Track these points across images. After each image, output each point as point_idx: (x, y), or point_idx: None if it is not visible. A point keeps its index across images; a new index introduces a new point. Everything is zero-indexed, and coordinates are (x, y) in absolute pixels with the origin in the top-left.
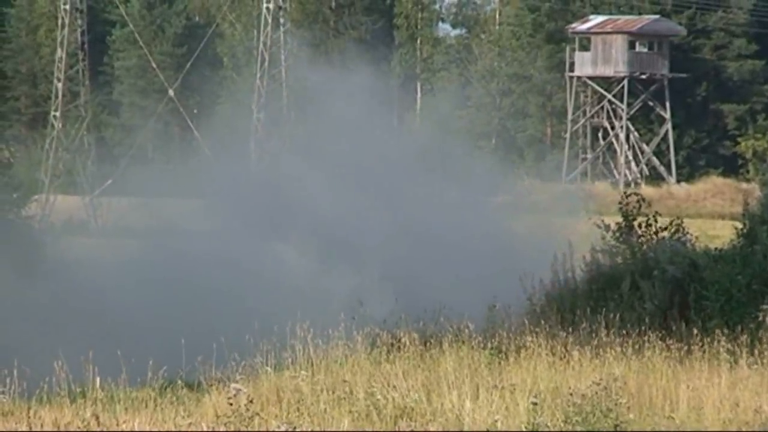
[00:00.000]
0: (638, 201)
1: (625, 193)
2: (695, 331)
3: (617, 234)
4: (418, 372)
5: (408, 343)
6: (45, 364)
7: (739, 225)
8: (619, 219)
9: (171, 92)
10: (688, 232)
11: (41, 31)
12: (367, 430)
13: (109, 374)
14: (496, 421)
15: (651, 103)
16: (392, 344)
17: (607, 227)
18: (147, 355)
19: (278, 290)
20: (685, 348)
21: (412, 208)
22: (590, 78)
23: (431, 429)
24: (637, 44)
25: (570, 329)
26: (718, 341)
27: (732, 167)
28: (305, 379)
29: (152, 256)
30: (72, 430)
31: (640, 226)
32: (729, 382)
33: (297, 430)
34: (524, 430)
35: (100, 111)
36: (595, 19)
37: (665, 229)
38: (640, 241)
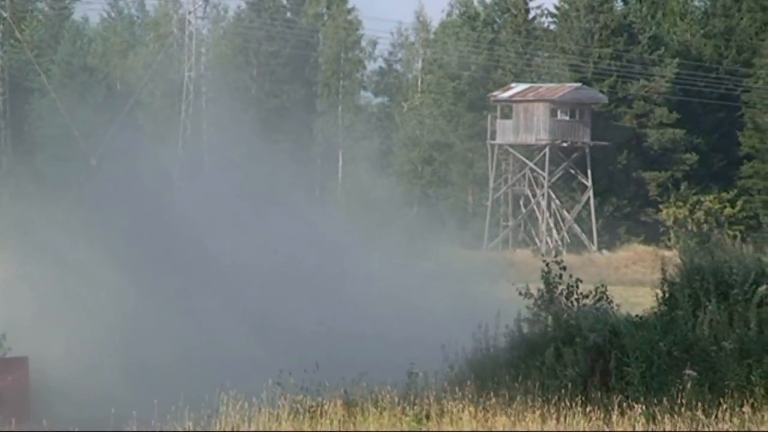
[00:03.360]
0: (561, 268)
1: (545, 261)
2: (616, 398)
3: (539, 301)
4: None
5: (330, 410)
6: None
7: (659, 292)
8: (541, 286)
9: (93, 161)
10: (611, 300)
11: None
12: None
13: None
14: None
15: (572, 171)
16: (315, 410)
17: (530, 294)
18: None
19: (204, 356)
20: (605, 415)
21: (333, 276)
22: (512, 146)
23: None
24: (558, 112)
25: (491, 396)
26: (639, 408)
27: (653, 235)
28: None
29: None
30: None
31: (561, 293)
32: None
33: None
34: None
35: (22, 180)
36: (517, 88)
37: (587, 296)
38: (562, 308)
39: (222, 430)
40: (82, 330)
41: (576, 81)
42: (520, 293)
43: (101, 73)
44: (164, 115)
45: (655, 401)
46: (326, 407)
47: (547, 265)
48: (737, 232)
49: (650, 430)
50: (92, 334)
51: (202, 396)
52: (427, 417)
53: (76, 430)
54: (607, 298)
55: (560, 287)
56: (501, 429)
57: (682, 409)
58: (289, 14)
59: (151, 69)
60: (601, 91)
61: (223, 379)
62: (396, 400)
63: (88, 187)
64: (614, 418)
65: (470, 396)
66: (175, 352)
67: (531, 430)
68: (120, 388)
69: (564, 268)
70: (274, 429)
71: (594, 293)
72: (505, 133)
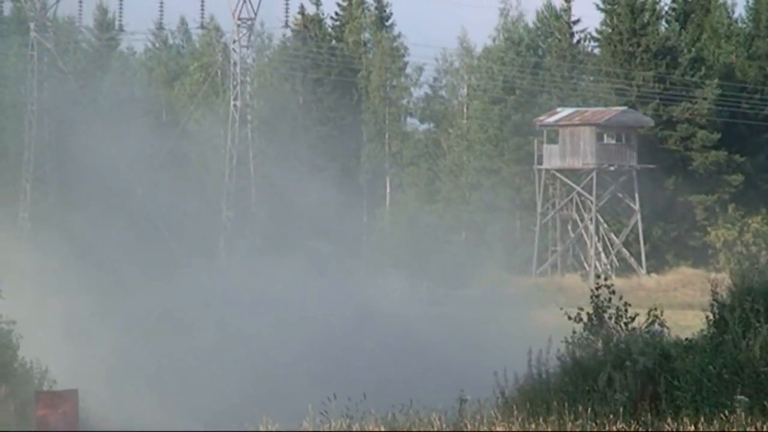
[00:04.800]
0: (610, 292)
1: (597, 284)
2: (667, 421)
3: (588, 325)
4: None
5: None
6: None
7: (710, 315)
8: (590, 311)
9: (139, 191)
10: (663, 323)
11: (7, 132)
12: None
13: None
14: None
15: (620, 195)
16: None
17: (579, 318)
18: None
19: (249, 379)
20: None
21: (383, 302)
22: (559, 170)
23: None
24: (605, 136)
25: (542, 422)
26: None
27: (702, 258)
28: None
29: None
30: None
31: (610, 317)
32: None
33: None
34: None
35: (68, 211)
36: (563, 112)
37: (634, 319)
38: (612, 332)
39: None
40: (134, 363)
41: (621, 104)
42: (569, 317)
43: (147, 104)
44: (211, 144)
45: (706, 425)
46: None
47: (597, 288)
48: None
49: None
50: (142, 366)
51: (246, 423)
52: None
53: None
54: (660, 321)
55: (609, 311)
56: None
57: None
58: (334, 42)
59: (197, 98)
60: (646, 114)
61: (269, 406)
62: (444, 426)
63: (136, 216)
64: None
65: (520, 422)
66: (220, 379)
67: None
68: (166, 417)
69: (613, 292)
70: None
71: (648, 317)
72: (551, 157)
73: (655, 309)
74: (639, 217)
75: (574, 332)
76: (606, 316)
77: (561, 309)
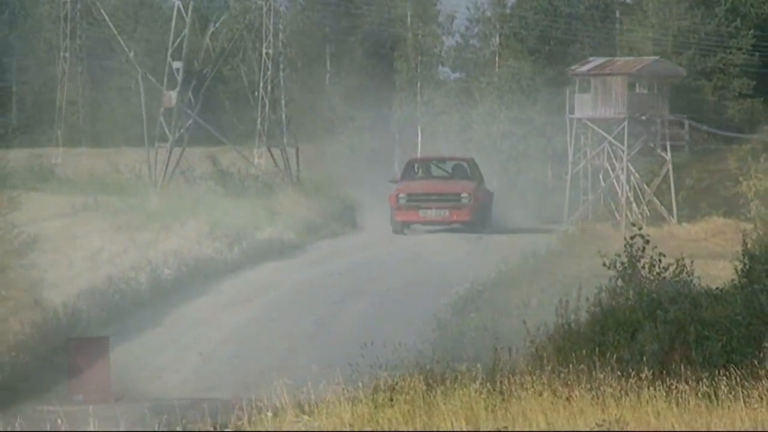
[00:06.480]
0: (644, 242)
1: (633, 235)
2: (696, 371)
3: (622, 273)
4: (417, 417)
5: (408, 387)
6: None
7: (739, 264)
8: (623, 259)
9: (171, 138)
10: (691, 273)
11: (39, 78)
12: None
13: None
14: None
15: (651, 145)
16: (394, 387)
17: (614, 264)
18: None
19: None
20: (686, 388)
21: (416, 253)
22: (590, 120)
23: None
24: (637, 86)
25: (571, 370)
26: (719, 381)
27: (733, 208)
28: (307, 425)
29: None
30: None
31: (643, 267)
32: (729, 423)
33: None
34: None
35: (100, 158)
36: (595, 61)
37: (668, 268)
38: (643, 281)
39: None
40: None
41: (655, 54)
42: (605, 264)
43: (180, 51)
44: (242, 93)
45: (736, 375)
46: (404, 384)
47: (631, 238)
48: None
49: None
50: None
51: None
52: (506, 394)
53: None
54: (687, 271)
55: (642, 260)
56: (579, 406)
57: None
58: None
59: (231, 45)
60: (680, 64)
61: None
62: (479, 376)
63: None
64: (695, 391)
65: (549, 371)
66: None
67: (608, 404)
68: (201, 372)
69: (647, 242)
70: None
71: (676, 266)
72: (583, 106)
73: (683, 258)
74: (670, 166)
75: (611, 279)
76: (639, 265)
77: (598, 252)
